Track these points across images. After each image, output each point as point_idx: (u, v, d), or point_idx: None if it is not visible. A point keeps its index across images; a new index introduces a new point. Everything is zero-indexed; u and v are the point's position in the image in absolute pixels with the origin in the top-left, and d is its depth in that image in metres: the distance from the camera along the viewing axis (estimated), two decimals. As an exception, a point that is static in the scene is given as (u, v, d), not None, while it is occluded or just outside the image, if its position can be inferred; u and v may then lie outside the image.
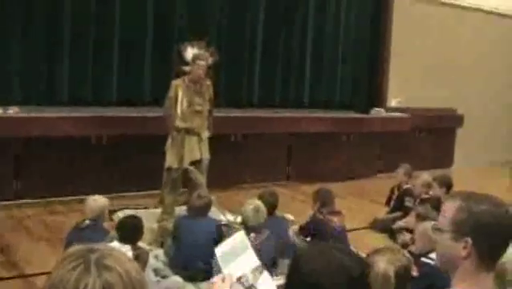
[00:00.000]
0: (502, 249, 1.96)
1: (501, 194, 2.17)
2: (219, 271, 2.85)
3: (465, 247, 1.91)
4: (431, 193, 7.07)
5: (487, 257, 1.92)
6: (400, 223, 7.09)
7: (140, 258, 4.40)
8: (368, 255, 3.12)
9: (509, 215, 1.95)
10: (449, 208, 1.98)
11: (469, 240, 1.89)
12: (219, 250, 3.16)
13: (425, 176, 7.46)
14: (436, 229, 2.02)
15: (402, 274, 2.95)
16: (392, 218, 7.38)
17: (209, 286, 2.37)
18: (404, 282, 2.95)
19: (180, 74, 6.63)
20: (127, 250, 4.28)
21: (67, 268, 1.21)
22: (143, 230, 4.87)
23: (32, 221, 6.86)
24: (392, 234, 7.07)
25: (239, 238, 3.42)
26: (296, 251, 1.80)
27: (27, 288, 5.05)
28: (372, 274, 2.88)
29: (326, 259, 1.68)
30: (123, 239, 4.58)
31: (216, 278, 2.32)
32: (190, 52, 6.56)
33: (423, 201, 7.01)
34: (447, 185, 7.01)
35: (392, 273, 2.93)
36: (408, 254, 4.01)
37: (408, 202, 7.31)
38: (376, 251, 3.15)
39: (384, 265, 2.96)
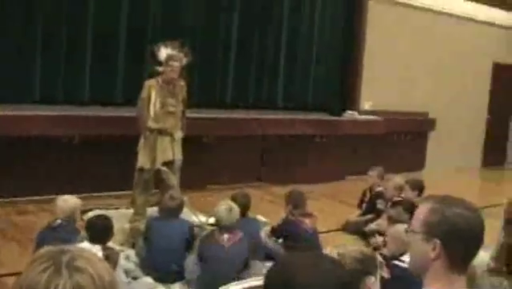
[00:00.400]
0: (473, 252, 1.98)
1: (472, 197, 2.19)
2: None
3: (434, 249, 1.92)
4: (403, 195, 7.12)
5: (458, 260, 1.94)
6: (372, 226, 7.12)
7: (110, 258, 4.35)
8: None
9: (481, 220, 1.97)
10: (422, 210, 2.00)
11: (438, 241, 1.92)
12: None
13: (397, 179, 7.52)
14: (409, 231, 2.05)
15: (348, 262, 2.89)
16: (364, 221, 7.40)
17: None
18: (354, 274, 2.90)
19: (153, 74, 6.60)
20: (97, 250, 4.24)
21: (37, 270, 1.19)
22: (113, 230, 4.83)
23: (1, 221, 6.76)
24: (364, 236, 7.11)
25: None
26: (281, 261, 1.75)
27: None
28: None
29: (321, 271, 1.66)
30: (92, 239, 4.54)
31: None
32: (164, 52, 6.53)
33: (394, 204, 7.08)
34: (419, 188, 7.07)
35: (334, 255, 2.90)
36: (379, 257, 4.03)
37: (380, 205, 7.34)
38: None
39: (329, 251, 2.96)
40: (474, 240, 1.95)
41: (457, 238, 1.91)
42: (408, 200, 6.72)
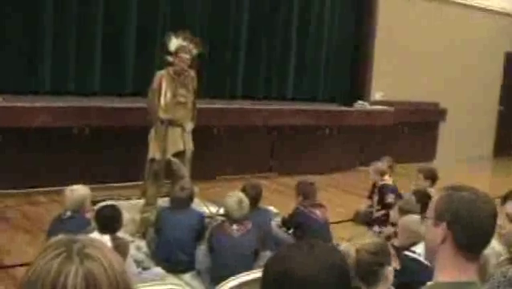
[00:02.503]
0: (482, 239, 1.99)
1: (483, 188, 2.18)
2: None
3: (441, 232, 1.97)
4: (412, 184, 7.16)
5: (464, 244, 1.95)
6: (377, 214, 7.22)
7: (120, 248, 4.35)
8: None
9: (491, 207, 1.99)
10: (435, 198, 2.07)
11: (444, 224, 1.95)
12: None
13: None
14: (424, 218, 2.13)
15: (366, 255, 2.93)
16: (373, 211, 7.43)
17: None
18: (371, 264, 2.93)
19: (163, 64, 6.59)
20: (106, 240, 4.25)
21: (48, 257, 1.19)
22: (121, 220, 4.81)
23: (12, 211, 6.80)
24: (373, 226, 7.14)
25: None
26: (277, 253, 1.76)
27: (6, 279, 5.00)
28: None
29: (306, 255, 1.66)
30: (101, 229, 4.55)
31: None
32: (174, 43, 6.51)
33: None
34: (432, 177, 7.03)
35: (352, 252, 2.92)
36: (391, 247, 4.02)
37: (391, 199, 7.35)
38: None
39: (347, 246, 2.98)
40: (481, 226, 1.96)
41: (463, 221, 1.94)
42: (420, 190, 6.72)
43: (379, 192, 7.39)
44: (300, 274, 1.59)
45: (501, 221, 2.88)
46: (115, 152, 8.06)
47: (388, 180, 7.46)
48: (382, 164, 7.56)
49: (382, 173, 7.43)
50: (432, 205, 2.05)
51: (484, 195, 2.01)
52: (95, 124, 7.85)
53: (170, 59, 6.47)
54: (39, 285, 1.16)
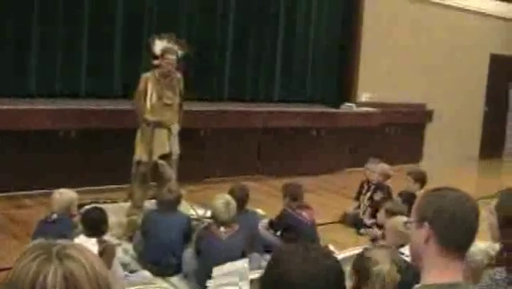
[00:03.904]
0: (465, 237, 1.99)
1: (469, 189, 2.19)
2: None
3: (423, 233, 1.96)
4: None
5: (449, 243, 1.95)
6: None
7: (107, 251, 4.34)
8: (364, 252, 3.10)
9: (472, 205, 2.00)
10: (417, 201, 2.08)
11: (427, 224, 1.95)
12: (216, 271, 3.21)
13: (385, 165, 7.60)
14: (407, 222, 2.12)
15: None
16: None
17: None
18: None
19: (150, 67, 6.58)
20: (93, 243, 4.23)
21: (27, 259, 1.18)
22: (107, 223, 4.81)
23: (-2, 215, 6.75)
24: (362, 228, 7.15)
25: (240, 265, 3.45)
26: (274, 251, 1.78)
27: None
28: (375, 272, 2.87)
29: (302, 258, 1.66)
30: (88, 232, 4.53)
31: None
32: (159, 45, 6.50)
33: (377, 188, 7.31)
34: (421, 180, 7.05)
35: (396, 273, 2.91)
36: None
37: (377, 196, 7.37)
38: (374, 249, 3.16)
39: (388, 266, 2.92)
40: (464, 222, 1.95)
41: (445, 218, 1.93)
42: (408, 192, 6.75)
43: (375, 190, 7.41)
44: (296, 277, 1.60)
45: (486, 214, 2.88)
46: (102, 155, 8.01)
47: (389, 183, 7.48)
48: (389, 168, 7.55)
49: (388, 177, 7.43)
50: (414, 208, 2.05)
51: (465, 194, 2.02)
52: (82, 126, 7.81)
53: (156, 62, 6.45)
54: (19, 286, 1.14)
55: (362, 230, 7.05)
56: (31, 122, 7.31)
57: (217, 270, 3.17)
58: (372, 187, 7.47)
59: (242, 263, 3.48)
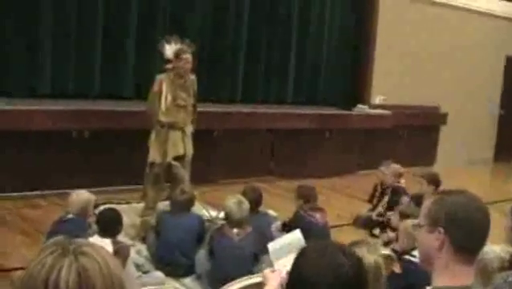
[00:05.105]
0: (479, 241, 1.99)
1: (482, 192, 2.19)
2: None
3: (437, 238, 1.94)
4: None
5: (463, 247, 1.95)
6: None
7: (121, 252, 4.36)
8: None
9: (483, 209, 2.00)
10: (426, 204, 2.05)
11: (441, 229, 1.94)
12: (272, 246, 3.23)
13: (396, 166, 7.57)
14: (416, 226, 2.10)
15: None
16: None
17: (262, 275, 2.47)
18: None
19: (164, 70, 6.58)
20: (107, 243, 4.25)
21: (43, 255, 1.20)
22: (121, 223, 4.84)
23: (11, 215, 6.78)
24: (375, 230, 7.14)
25: (293, 236, 3.46)
26: (296, 255, 1.81)
27: (5, 282, 4.99)
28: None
29: (322, 257, 1.68)
30: (102, 233, 4.55)
31: (266, 271, 2.46)
32: (169, 48, 6.51)
33: (394, 191, 7.27)
34: (435, 182, 7.00)
35: (382, 262, 2.91)
36: (391, 252, 4.03)
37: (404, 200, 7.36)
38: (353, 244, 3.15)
39: (371, 256, 2.92)
40: (477, 227, 1.95)
41: (458, 223, 1.93)
42: (419, 194, 6.71)
43: (392, 193, 7.36)
44: (308, 271, 1.62)
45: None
46: (115, 156, 8.04)
47: (403, 183, 7.46)
48: (399, 167, 7.53)
49: (399, 175, 7.41)
50: (424, 212, 2.03)
51: (474, 196, 2.02)
52: (95, 127, 7.84)
53: (169, 66, 6.46)
54: (33, 279, 1.16)
55: (376, 232, 7.01)
56: (45, 123, 7.34)
57: (272, 246, 3.22)
58: (388, 191, 7.44)
59: (295, 234, 3.53)
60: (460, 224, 1.93)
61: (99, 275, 1.18)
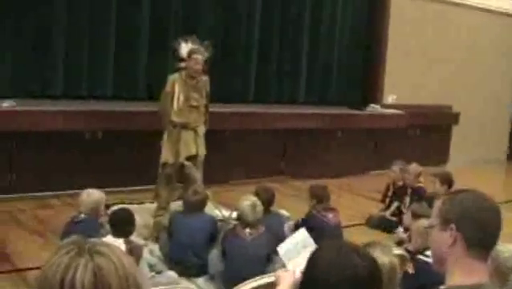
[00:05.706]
0: (491, 238, 1.98)
1: (495, 192, 2.18)
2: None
3: (450, 235, 1.95)
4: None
5: (475, 243, 1.94)
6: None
7: (134, 252, 4.37)
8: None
9: (495, 206, 2.01)
10: (437, 204, 2.06)
11: (453, 226, 1.94)
12: (282, 248, 3.26)
13: (414, 165, 7.54)
14: (428, 227, 2.11)
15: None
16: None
17: (275, 275, 2.48)
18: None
19: (176, 70, 6.60)
20: (120, 244, 4.26)
21: (60, 254, 1.20)
22: (134, 223, 4.84)
23: (25, 215, 6.83)
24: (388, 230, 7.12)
25: (300, 236, 3.47)
26: (310, 255, 1.81)
27: (19, 282, 5.02)
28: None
29: (337, 258, 1.68)
30: (115, 233, 4.56)
31: (279, 271, 2.45)
32: (185, 48, 6.52)
33: (414, 192, 7.25)
34: (448, 182, 6.97)
35: (397, 263, 2.90)
36: (404, 252, 4.02)
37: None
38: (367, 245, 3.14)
39: (386, 257, 2.92)
40: (488, 222, 1.96)
41: (470, 218, 1.93)
42: (433, 194, 6.69)
43: (414, 194, 7.33)
44: (321, 270, 1.62)
45: None
46: (128, 156, 8.07)
47: (423, 182, 7.44)
48: (417, 166, 7.50)
49: (418, 175, 7.39)
50: (435, 212, 2.04)
51: (485, 195, 2.03)
52: (108, 127, 7.87)
53: (182, 65, 6.47)
54: (49, 279, 1.17)
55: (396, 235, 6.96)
56: (58, 123, 7.38)
57: (282, 248, 3.25)
58: (409, 191, 7.41)
59: (302, 233, 3.54)
60: (471, 220, 1.93)
61: (114, 275, 1.19)
